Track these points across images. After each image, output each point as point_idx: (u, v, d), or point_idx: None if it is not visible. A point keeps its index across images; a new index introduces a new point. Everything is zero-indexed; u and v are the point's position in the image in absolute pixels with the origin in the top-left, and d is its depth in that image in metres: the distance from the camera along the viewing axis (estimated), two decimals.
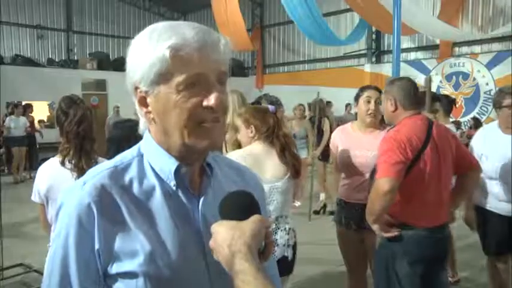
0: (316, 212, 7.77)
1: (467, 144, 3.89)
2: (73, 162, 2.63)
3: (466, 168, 2.92)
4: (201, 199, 1.08)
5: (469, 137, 12.24)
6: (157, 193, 1.06)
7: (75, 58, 19.65)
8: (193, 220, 1.07)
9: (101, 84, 17.69)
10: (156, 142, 1.07)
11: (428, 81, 3.96)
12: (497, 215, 3.59)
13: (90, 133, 2.70)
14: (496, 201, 3.60)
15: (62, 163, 2.65)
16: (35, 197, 2.78)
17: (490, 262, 3.82)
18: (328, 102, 11.22)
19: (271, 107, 2.96)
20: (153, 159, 1.08)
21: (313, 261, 5.13)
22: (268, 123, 2.86)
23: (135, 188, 1.05)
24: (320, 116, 8.12)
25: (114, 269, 1.01)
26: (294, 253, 2.93)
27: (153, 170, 1.07)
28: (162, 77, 0.99)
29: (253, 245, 0.92)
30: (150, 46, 0.99)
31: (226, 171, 1.20)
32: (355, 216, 3.35)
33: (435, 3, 14.55)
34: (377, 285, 2.94)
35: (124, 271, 1.01)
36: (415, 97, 2.84)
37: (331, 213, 6.59)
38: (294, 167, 2.86)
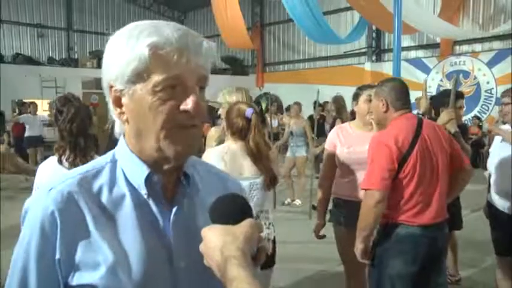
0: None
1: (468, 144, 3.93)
2: (69, 160, 2.62)
3: (457, 167, 2.93)
4: (173, 209, 1.03)
5: (472, 135, 12.24)
6: (127, 202, 1.01)
7: (76, 57, 19.69)
8: (163, 231, 1.02)
9: (101, 83, 17.69)
10: (129, 147, 1.03)
11: (454, 80, 4.00)
12: (506, 214, 3.58)
13: (83, 130, 2.66)
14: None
15: (59, 161, 2.64)
16: None
17: (498, 262, 3.81)
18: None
19: (248, 111, 2.88)
20: (126, 165, 1.03)
21: (313, 259, 5.12)
22: (233, 127, 2.85)
23: (104, 196, 1.01)
24: (336, 116, 8.01)
25: (75, 280, 0.96)
26: (274, 247, 2.98)
27: (125, 177, 1.03)
28: (139, 76, 0.95)
29: (246, 250, 0.88)
30: (129, 43, 0.95)
31: (207, 178, 1.16)
32: (356, 214, 3.33)
33: (436, 2, 14.54)
34: (370, 283, 2.95)
35: (84, 283, 0.96)
36: (405, 98, 2.89)
37: None
38: (267, 178, 2.86)
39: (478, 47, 14.03)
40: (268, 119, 8.71)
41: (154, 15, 22.27)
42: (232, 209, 0.95)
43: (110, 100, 1.02)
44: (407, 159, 2.67)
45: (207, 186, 1.13)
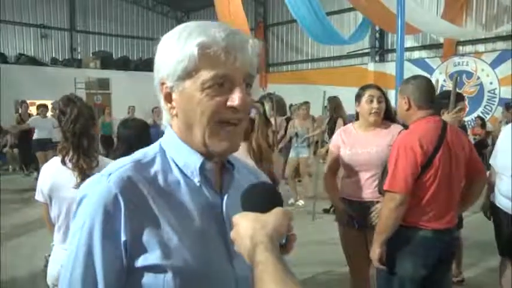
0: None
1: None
2: (72, 161, 2.61)
3: (474, 174, 2.89)
4: (225, 196, 1.10)
5: (475, 136, 12.23)
6: (182, 188, 1.06)
7: (79, 57, 19.74)
8: (218, 216, 1.08)
9: (104, 83, 17.72)
10: (180, 138, 1.08)
11: (455, 79, 3.96)
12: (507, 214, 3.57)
13: (87, 131, 2.66)
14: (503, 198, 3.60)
15: (63, 162, 2.64)
16: (38, 196, 2.78)
17: (502, 262, 3.81)
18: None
19: (251, 111, 2.85)
20: (176, 154, 1.08)
21: (317, 261, 5.11)
22: None
23: (160, 181, 1.05)
24: (335, 115, 7.99)
25: (141, 262, 0.99)
26: None
27: (177, 165, 1.08)
28: (188, 74, 1.01)
29: (275, 237, 0.92)
30: (179, 43, 1.02)
31: (243, 171, 1.21)
32: (359, 214, 3.33)
33: (439, 2, 14.51)
34: (378, 284, 2.93)
35: (151, 264, 0.99)
36: (430, 97, 2.79)
37: None
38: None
39: (481, 47, 14.00)
40: (273, 120, 8.69)
41: (157, 15, 22.30)
42: (262, 197, 0.98)
43: (161, 96, 1.08)
44: (431, 163, 2.61)
45: (244, 177, 1.18)
